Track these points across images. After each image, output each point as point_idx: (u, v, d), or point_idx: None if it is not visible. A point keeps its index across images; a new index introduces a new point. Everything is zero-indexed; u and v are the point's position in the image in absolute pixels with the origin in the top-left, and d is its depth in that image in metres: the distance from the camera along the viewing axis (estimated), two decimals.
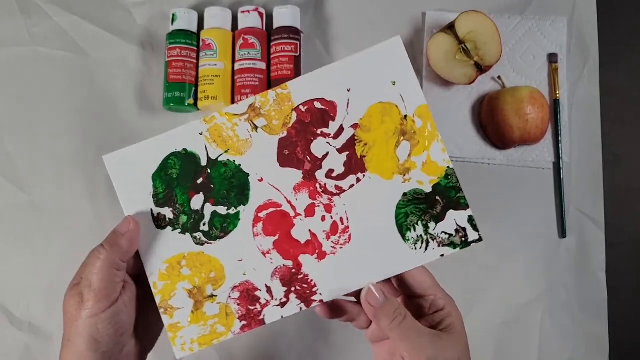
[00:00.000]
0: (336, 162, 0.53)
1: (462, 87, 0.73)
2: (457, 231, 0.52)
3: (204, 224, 0.53)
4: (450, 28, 0.70)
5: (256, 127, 0.53)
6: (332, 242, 0.52)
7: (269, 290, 0.52)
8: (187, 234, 0.53)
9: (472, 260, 0.71)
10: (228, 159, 0.53)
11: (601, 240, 0.71)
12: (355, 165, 0.53)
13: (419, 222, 0.52)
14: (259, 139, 0.53)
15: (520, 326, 0.70)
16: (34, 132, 0.74)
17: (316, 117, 0.53)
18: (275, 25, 0.73)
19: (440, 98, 0.73)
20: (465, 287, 0.70)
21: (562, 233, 0.71)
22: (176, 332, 0.52)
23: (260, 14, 0.73)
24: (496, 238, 0.71)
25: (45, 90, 0.74)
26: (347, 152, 0.53)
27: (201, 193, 0.53)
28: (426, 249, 0.52)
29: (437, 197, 0.53)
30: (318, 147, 0.53)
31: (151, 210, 0.53)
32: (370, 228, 0.52)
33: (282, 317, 0.52)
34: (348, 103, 0.53)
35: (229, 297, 0.52)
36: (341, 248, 0.52)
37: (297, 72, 0.71)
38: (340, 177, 0.53)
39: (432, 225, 0.52)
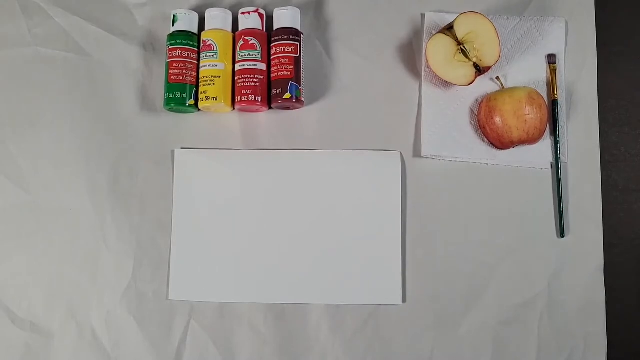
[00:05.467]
0: None
1: (461, 87, 0.73)
2: None
3: None
4: (449, 29, 0.71)
5: None
6: None
7: None
8: None
9: (471, 260, 0.71)
10: None
11: (599, 240, 0.72)
12: None
13: None
14: None
15: (518, 326, 0.70)
16: (36, 132, 0.74)
17: None
18: (276, 26, 0.73)
19: (439, 99, 0.74)
20: (465, 287, 0.71)
21: (561, 233, 0.71)
22: None
23: (261, 15, 0.73)
24: (495, 238, 0.72)
25: (47, 90, 0.75)
26: None
27: None
28: None
29: None
30: None
31: None
32: None
33: None
34: None
35: None
36: None
37: (297, 73, 0.71)
38: None
39: None
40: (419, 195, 0.72)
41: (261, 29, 0.73)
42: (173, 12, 0.73)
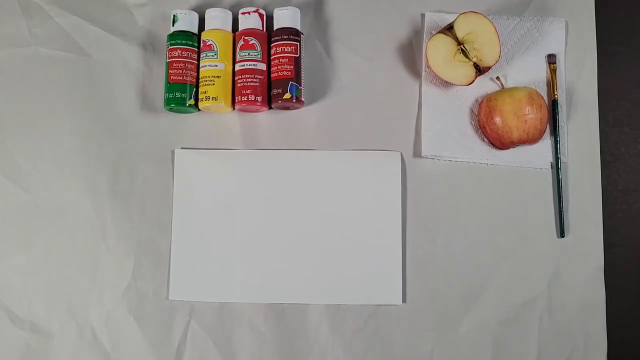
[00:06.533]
0: None
1: (461, 87, 0.73)
2: None
3: None
4: (449, 29, 0.71)
5: None
6: None
7: None
8: None
9: (471, 260, 0.71)
10: None
11: (599, 240, 0.72)
12: None
13: None
14: None
15: (519, 325, 0.70)
16: (36, 132, 0.74)
17: None
18: (276, 26, 0.73)
19: (439, 99, 0.74)
20: (465, 287, 0.71)
21: (561, 233, 0.71)
22: None
23: (261, 15, 0.73)
24: (495, 238, 0.72)
25: (47, 91, 0.75)
26: None
27: None
28: None
29: None
30: None
31: None
32: None
33: None
34: None
35: None
36: None
37: (297, 73, 0.71)
38: None
39: None
40: (419, 195, 0.72)
41: (261, 29, 0.73)
42: (173, 12, 0.73)
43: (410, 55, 0.75)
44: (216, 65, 0.72)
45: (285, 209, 0.72)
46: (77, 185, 0.73)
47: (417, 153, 0.73)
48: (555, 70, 0.73)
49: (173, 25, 0.73)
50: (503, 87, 0.73)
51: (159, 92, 0.74)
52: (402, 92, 0.74)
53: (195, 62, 0.73)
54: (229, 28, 0.74)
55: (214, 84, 0.71)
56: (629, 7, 0.76)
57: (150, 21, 0.76)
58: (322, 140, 0.74)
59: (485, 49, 0.70)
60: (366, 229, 0.71)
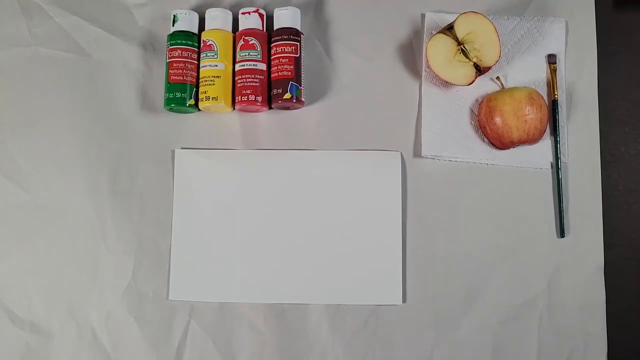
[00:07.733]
0: None
1: (461, 87, 0.73)
2: None
3: None
4: (450, 29, 0.71)
5: None
6: None
7: None
8: None
9: (472, 260, 0.71)
10: None
11: (599, 240, 0.72)
12: None
13: None
14: None
15: (519, 326, 0.70)
16: (36, 132, 0.74)
17: None
18: (276, 26, 0.73)
19: (439, 99, 0.74)
20: (465, 287, 0.71)
21: (561, 233, 0.71)
22: None
23: (261, 15, 0.73)
24: (495, 238, 0.72)
25: (47, 91, 0.75)
26: None
27: None
28: None
29: None
30: None
31: None
32: None
33: None
34: None
35: None
36: None
37: (297, 73, 0.71)
38: None
39: None
40: (419, 195, 0.72)
41: (261, 29, 0.73)
42: (173, 12, 0.73)
43: (410, 55, 0.75)
44: (216, 65, 0.72)
45: (285, 209, 0.72)
46: (77, 185, 0.73)
47: (417, 153, 0.73)
48: (555, 70, 0.73)
49: (173, 25, 0.73)
50: (503, 87, 0.73)
51: (159, 92, 0.74)
52: (402, 92, 0.74)
53: (196, 62, 0.73)
54: (229, 28, 0.74)
55: (214, 84, 0.71)
56: (629, 7, 0.76)
57: (150, 21, 0.76)
58: (322, 140, 0.74)
59: (486, 49, 0.70)
60: (366, 229, 0.71)
